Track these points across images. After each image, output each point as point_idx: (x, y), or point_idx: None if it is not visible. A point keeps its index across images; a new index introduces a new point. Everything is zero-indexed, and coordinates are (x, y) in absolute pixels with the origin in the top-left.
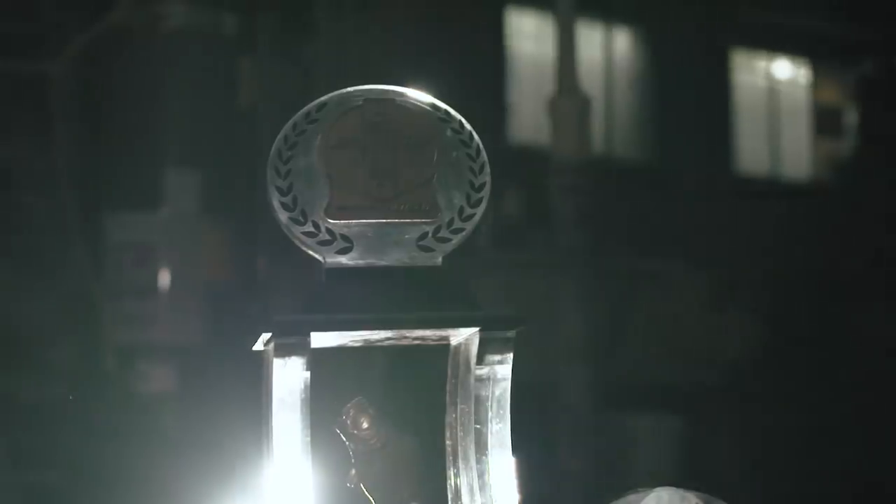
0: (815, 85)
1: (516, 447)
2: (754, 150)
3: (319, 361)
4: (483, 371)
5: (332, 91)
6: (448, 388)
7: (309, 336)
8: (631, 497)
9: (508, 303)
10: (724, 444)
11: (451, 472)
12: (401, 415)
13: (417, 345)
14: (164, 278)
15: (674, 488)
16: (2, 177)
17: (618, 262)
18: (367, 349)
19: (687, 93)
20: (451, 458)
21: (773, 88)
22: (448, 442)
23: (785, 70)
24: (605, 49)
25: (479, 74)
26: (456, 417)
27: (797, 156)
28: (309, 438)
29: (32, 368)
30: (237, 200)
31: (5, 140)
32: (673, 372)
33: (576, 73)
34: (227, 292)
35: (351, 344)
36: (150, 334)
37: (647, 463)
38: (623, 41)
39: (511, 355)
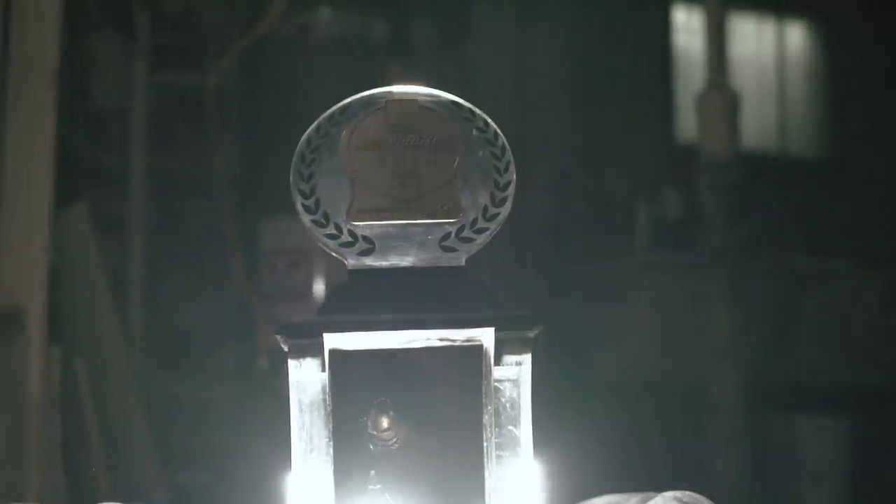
0: None
1: (670, 449)
2: None
3: (341, 363)
4: (502, 372)
5: (490, 92)
6: (482, 389)
7: (321, 337)
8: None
9: (664, 303)
10: (894, 448)
11: (485, 473)
12: (425, 416)
13: (447, 346)
14: (317, 282)
15: (689, 492)
16: (168, 186)
17: (783, 262)
18: (397, 350)
19: (864, 87)
20: (485, 458)
21: None
22: (485, 444)
23: None
24: (778, 44)
25: (643, 73)
26: (487, 418)
27: None
28: (328, 440)
29: (194, 371)
30: None
31: (170, 150)
32: (840, 373)
33: (725, 67)
34: None
35: (376, 346)
36: None
37: (810, 466)
38: (797, 35)
39: (529, 356)
